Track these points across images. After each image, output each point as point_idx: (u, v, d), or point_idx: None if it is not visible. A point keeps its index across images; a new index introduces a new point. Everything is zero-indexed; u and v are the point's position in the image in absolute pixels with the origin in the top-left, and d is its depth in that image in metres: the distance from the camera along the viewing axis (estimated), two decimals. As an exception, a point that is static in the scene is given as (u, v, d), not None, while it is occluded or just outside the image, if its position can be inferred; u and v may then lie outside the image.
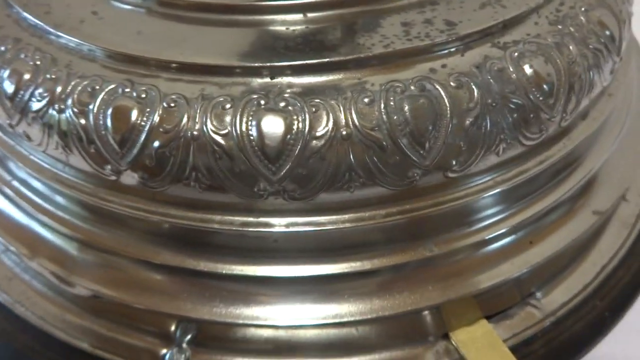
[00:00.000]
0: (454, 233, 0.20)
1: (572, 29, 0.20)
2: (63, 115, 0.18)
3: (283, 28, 0.19)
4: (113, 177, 0.18)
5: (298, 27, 0.19)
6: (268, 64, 0.17)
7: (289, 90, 0.17)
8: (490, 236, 0.20)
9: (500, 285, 0.20)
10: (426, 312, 0.20)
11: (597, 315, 0.21)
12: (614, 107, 0.23)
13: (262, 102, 0.17)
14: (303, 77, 0.17)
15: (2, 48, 0.20)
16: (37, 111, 0.18)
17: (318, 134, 0.17)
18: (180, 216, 0.19)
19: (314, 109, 0.17)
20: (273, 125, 0.17)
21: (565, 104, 0.19)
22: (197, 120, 0.17)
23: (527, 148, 0.19)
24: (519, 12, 0.19)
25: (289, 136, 0.17)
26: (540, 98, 0.19)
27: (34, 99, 0.18)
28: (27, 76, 0.19)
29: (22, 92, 0.19)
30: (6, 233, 0.22)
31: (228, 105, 0.17)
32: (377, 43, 0.18)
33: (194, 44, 0.18)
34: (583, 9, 0.21)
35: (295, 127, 0.17)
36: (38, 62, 0.19)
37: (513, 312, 0.21)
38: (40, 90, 0.18)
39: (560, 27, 0.20)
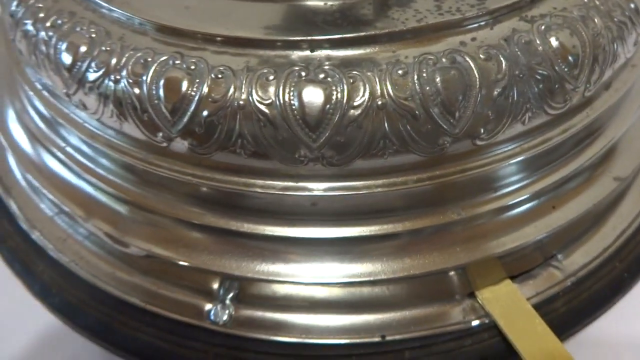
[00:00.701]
0: (480, 198, 0.21)
1: (597, 2, 0.21)
2: (118, 86, 0.19)
3: (321, 3, 0.20)
4: (164, 144, 0.20)
5: (336, 2, 0.20)
6: (308, 38, 0.19)
7: (327, 63, 0.18)
8: (514, 201, 0.21)
9: (524, 247, 0.21)
10: (453, 272, 0.22)
11: (617, 276, 0.23)
12: (636, 77, 0.23)
13: (303, 73, 0.18)
14: (341, 50, 0.19)
15: (59, 21, 0.21)
16: (94, 81, 0.20)
17: (355, 103, 0.18)
18: (225, 180, 0.20)
19: (351, 80, 0.18)
20: (313, 96, 0.18)
21: (589, 74, 0.20)
22: (243, 90, 0.18)
23: (551, 117, 0.20)
24: (544, -13, 0.20)
25: (328, 106, 0.18)
26: (565, 69, 0.20)
27: (90, 70, 0.20)
28: (83, 48, 0.20)
29: (79, 64, 0.20)
30: (62, 195, 0.24)
31: (271, 77, 0.18)
32: (410, 17, 0.19)
33: (238, 19, 0.20)
34: (609, -18, 0.21)
35: (334, 97, 0.18)
36: (93, 35, 0.20)
37: (536, 272, 0.22)
38: (96, 61, 0.20)
39: (586, 0, 0.21)
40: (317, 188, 0.20)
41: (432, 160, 0.20)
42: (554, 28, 0.20)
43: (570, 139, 0.21)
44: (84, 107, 0.21)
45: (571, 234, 0.23)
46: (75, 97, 0.21)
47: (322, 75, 0.18)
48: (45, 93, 0.24)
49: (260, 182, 0.20)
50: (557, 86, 0.20)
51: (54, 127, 0.24)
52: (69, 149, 0.24)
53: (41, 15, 0.21)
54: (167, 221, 0.22)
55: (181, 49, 0.19)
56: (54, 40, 0.21)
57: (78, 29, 0.21)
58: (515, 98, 0.19)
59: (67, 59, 0.20)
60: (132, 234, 0.22)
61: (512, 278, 0.22)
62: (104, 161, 0.23)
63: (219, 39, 0.19)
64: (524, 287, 0.22)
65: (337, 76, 0.18)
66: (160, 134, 0.20)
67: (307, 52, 0.19)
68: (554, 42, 0.19)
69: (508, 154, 0.20)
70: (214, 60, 0.19)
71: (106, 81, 0.20)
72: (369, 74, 0.18)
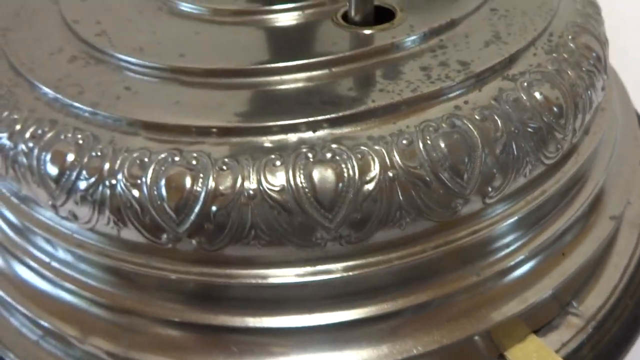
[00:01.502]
0: (493, 256, 0.21)
1: (565, 56, 0.22)
2: (115, 191, 0.18)
3: (313, 83, 0.20)
4: (169, 245, 0.19)
5: (327, 82, 0.20)
6: (309, 119, 0.19)
7: (332, 141, 0.18)
8: (526, 255, 0.21)
9: (544, 299, 0.21)
10: (478, 337, 0.21)
11: (631, 313, 0.23)
12: (608, 119, 0.25)
13: (310, 155, 0.18)
14: (342, 128, 0.19)
15: (40, 131, 0.20)
16: (86, 190, 0.19)
17: (368, 178, 0.18)
18: (235, 275, 0.19)
19: (359, 156, 0.18)
20: (325, 176, 0.18)
21: (574, 122, 0.21)
22: (251, 179, 0.18)
23: (547, 167, 0.21)
24: (520, 47, 0.21)
25: (341, 184, 0.18)
26: (553, 120, 0.20)
27: (81, 179, 0.19)
28: (71, 157, 0.19)
29: (68, 173, 0.19)
30: (51, 315, 0.22)
31: (278, 162, 0.18)
32: (404, 88, 0.19)
33: (233, 108, 0.19)
34: (570, 36, 0.23)
35: (345, 174, 0.18)
36: (80, 142, 0.19)
37: (557, 323, 0.22)
38: (87, 169, 0.19)
39: (555, 55, 0.22)
40: (337, 269, 0.19)
41: (447, 225, 0.19)
42: (535, 83, 0.20)
43: (565, 185, 0.22)
44: (74, 218, 0.20)
45: (580, 279, 0.23)
46: (64, 208, 0.20)
47: (329, 155, 0.18)
48: (14, 200, 0.22)
49: (273, 271, 0.19)
50: (549, 136, 0.20)
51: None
52: (42, 257, 0.22)
53: (18, 127, 0.20)
54: (145, 321, 0.20)
55: (178, 144, 0.19)
56: (35, 151, 0.20)
57: (62, 136, 0.20)
58: (516, 153, 0.20)
59: (53, 169, 0.19)
60: (137, 348, 0.20)
61: (535, 332, 0.22)
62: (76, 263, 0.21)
63: (215, 130, 0.19)
64: (548, 339, 0.22)
65: (345, 154, 0.18)
66: (165, 236, 0.18)
67: (310, 134, 0.19)
68: (538, 96, 0.20)
69: (514, 209, 0.21)
70: (215, 153, 0.18)
71: (100, 188, 0.19)
72: (376, 147, 0.18)
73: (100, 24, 0.24)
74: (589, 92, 0.22)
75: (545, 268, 0.22)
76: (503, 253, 0.21)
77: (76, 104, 0.20)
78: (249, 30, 0.23)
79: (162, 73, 0.21)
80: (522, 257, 0.21)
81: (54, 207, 0.20)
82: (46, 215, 0.21)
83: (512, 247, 0.21)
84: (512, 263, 0.21)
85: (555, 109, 0.21)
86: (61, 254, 0.22)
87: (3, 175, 0.21)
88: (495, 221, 0.20)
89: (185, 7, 0.24)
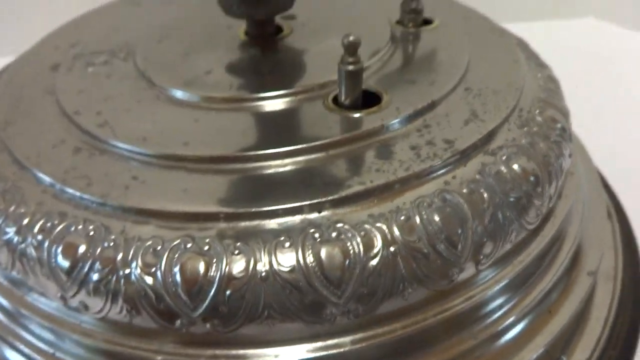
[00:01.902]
0: (488, 319, 0.22)
1: (535, 129, 0.24)
2: (129, 280, 0.19)
3: (312, 166, 0.21)
4: (183, 330, 0.19)
5: (326, 164, 0.21)
6: (313, 201, 0.20)
7: (336, 221, 0.20)
8: (517, 315, 0.23)
9: (538, 357, 0.22)
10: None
11: (616, 364, 0.24)
12: (576, 181, 0.27)
13: (317, 235, 0.19)
14: (345, 207, 0.20)
15: (49, 224, 0.20)
16: (99, 281, 0.19)
17: (372, 254, 0.19)
18: (247, 355, 0.20)
19: (363, 233, 0.19)
20: (332, 255, 0.19)
21: (549, 188, 0.23)
22: (263, 262, 0.19)
23: (530, 231, 0.23)
24: (496, 123, 0.23)
25: (348, 262, 0.19)
26: (531, 188, 0.22)
27: (94, 270, 0.19)
28: (82, 248, 0.20)
29: (80, 265, 0.19)
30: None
31: (288, 244, 0.19)
32: (398, 168, 0.21)
33: (239, 193, 0.21)
34: (537, 111, 0.25)
35: (351, 252, 0.19)
36: (91, 233, 0.20)
37: (551, 378, 0.23)
38: (100, 260, 0.19)
39: (527, 129, 0.24)
40: (344, 343, 0.20)
41: (444, 293, 0.21)
42: (512, 157, 0.23)
43: (546, 246, 0.24)
44: (85, 308, 0.20)
45: (568, 333, 0.25)
46: (74, 299, 0.20)
47: (335, 234, 0.19)
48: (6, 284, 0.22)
49: (284, 349, 0.20)
50: (529, 204, 0.22)
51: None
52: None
53: (25, 221, 0.21)
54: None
55: (189, 231, 0.20)
56: (46, 244, 0.20)
57: (72, 228, 0.20)
58: (502, 221, 0.21)
59: (64, 262, 0.20)
60: None
61: (532, 390, 0.23)
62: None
63: (223, 215, 0.20)
64: (545, 396, 0.23)
65: (350, 232, 0.19)
66: (179, 321, 0.19)
67: (315, 214, 0.20)
68: (516, 168, 0.22)
69: (503, 273, 0.22)
70: (226, 238, 0.19)
71: (114, 278, 0.19)
72: (377, 224, 0.20)
73: (101, 115, 0.25)
74: (559, 160, 0.24)
75: (535, 327, 0.23)
76: (496, 316, 0.22)
77: (85, 196, 0.21)
78: (245, 116, 0.24)
79: (168, 161, 0.22)
80: (513, 317, 0.23)
81: (64, 299, 0.20)
82: (51, 305, 0.21)
83: (504, 309, 0.23)
84: (505, 324, 0.22)
85: (532, 178, 0.23)
86: (66, 343, 0.22)
87: (8, 269, 0.21)
88: (487, 286, 0.22)
89: (181, 95, 0.25)
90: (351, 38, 0.22)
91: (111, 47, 0.30)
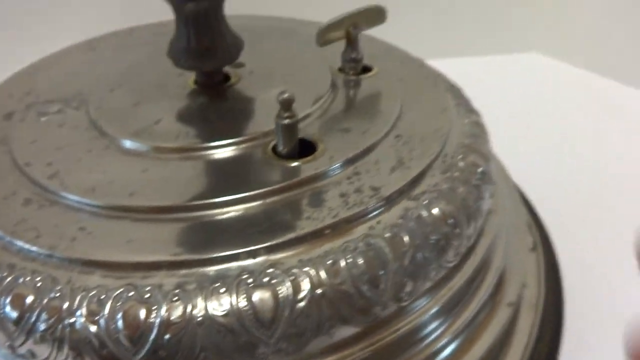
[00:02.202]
0: (414, 349, 0.24)
1: (457, 174, 0.27)
2: (74, 328, 0.20)
3: (250, 214, 0.23)
4: (125, 373, 0.21)
5: (262, 212, 0.23)
6: (248, 249, 0.22)
7: (269, 266, 0.21)
8: (443, 343, 0.25)
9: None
10: None
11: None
12: (499, 218, 0.30)
13: (250, 281, 0.21)
14: (277, 254, 0.22)
15: (-2, 276, 0.22)
16: (46, 329, 0.20)
17: (300, 297, 0.21)
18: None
19: (292, 278, 0.21)
20: (264, 299, 0.21)
21: (467, 229, 0.26)
22: (199, 307, 0.20)
23: (449, 270, 0.25)
24: (420, 170, 0.26)
25: (277, 305, 0.21)
26: (450, 231, 0.25)
27: (41, 319, 0.21)
28: (30, 299, 0.21)
29: (28, 315, 0.21)
30: None
31: (223, 290, 0.21)
32: (326, 215, 0.23)
33: (180, 242, 0.22)
34: (460, 156, 0.28)
35: (281, 296, 0.21)
36: (39, 284, 0.21)
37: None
38: (47, 310, 0.21)
39: (449, 174, 0.27)
40: (277, 379, 0.22)
41: (370, 329, 0.23)
42: (433, 201, 0.25)
43: (466, 283, 0.26)
44: (32, 356, 0.21)
45: (492, 356, 0.27)
46: (23, 348, 0.21)
47: (266, 279, 0.21)
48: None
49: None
50: (447, 245, 0.25)
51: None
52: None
53: (-26, 272, 0.22)
54: None
55: (132, 280, 0.21)
56: (-5, 295, 0.21)
57: (21, 280, 0.21)
58: (422, 262, 0.23)
59: (12, 313, 0.21)
60: None
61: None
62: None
63: (165, 264, 0.21)
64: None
65: (281, 277, 0.21)
66: (122, 365, 0.20)
67: (249, 261, 0.22)
68: (436, 212, 0.25)
69: (427, 306, 0.24)
70: (166, 285, 0.21)
71: (60, 326, 0.20)
72: (305, 269, 0.21)
73: (51, 165, 0.26)
74: (478, 203, 0.27)
75: (461, 354, 0.25)
76: (424, 344, 0.25)
77: (34, 248, 0.22)
78: (191, 166, 0.26)
79: (114, 212, 0.24)
80: (440, 344, 0.25)
81: (12, 347, 0.21)
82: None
83: (431, 337, 0.25)
84: (432, 351, 0.24)
85: (450, 221, 0.25)
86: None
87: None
88: (413, 319, 0.24)
89: (131, 145, 0.27)
90: (285, 95, 0.25)
91: (65, 96, 0.32)
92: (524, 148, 0.46)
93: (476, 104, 0.34)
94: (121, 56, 0.36)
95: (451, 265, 0.25)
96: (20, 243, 0.22)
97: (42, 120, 0.30)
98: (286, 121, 0.25)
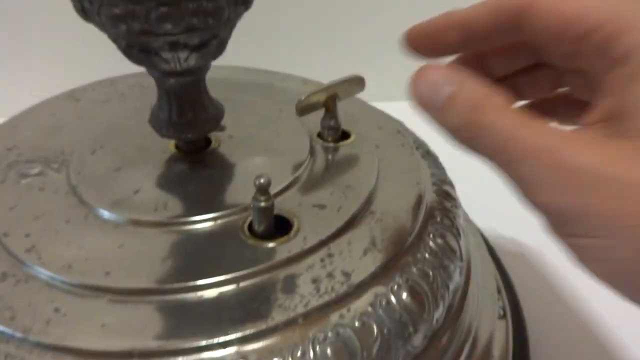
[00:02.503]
0: None
1: (427, 256, 0.28)
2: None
3: (224, 298, 0.24)
4: None
5: (235, 297, 0.24)
6: (220, 340, 0.22)
7: (239, 358, 0.22)
8: None
9: None
10: None
11: None
12: (468, 294, 0.31)
13: (221, 373, 0.22)
14: (249, 344, 0.22)
15: (-30, 363, 0.22)
16: (17, 418, 0.21)
17: (271, 391, 0.22)
18: None
19: (262, 371, 0.22)
20: (233, 393, 0.21)
21: (436, 312, 0.27)
22: (171, 400, 0.21)
23: (416, 356, 0.26)
24: (391, 255, 0.27)
25: (248, 399, 0.21)
26: (418, 315, 0.26)
27: (12, 407, 0.21)
28: (2, 386, 0.21)
29: (-1, 404, 0.21)
30: None
31: (195, 383, 0.21)
32: (298, 303, 0.24)
33: (153, 329, 0.23)
34: (431, 235, 0.29)
35: (252, 390, 0.21)
36: (11, 370, 0.22)
37: None
38: (18, 398, 0.21)
39: (419, 255, 0.27)
40: None
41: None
42: (404, 287, 0.26)
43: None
44: None
45: None
46: None
47: (238, 372, 0.22)
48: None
49: None
50: (416, 330, 0.25)
51: None
52: None
53: (-52, 359, 0.22)
54: None
55: (104, 368, 0.22)
56: (-34, 381, 0.22)
57: (-6, 364, 0.22)
58: (389, 351, 0.24)
59: (-16, 401, 0.21)
60: None
61: None
62: None
63: (137, 352, 0.22)
64: None
65: (250, 370, 0.22)
66: None
67: (221, 351, 0.22)
68: (405, 298, 0.25)
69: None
70: (137, 376, 0.21)
71: (31, 416, 0.21)
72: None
73: (29, 237, 0.26)
74: (447, 284, 0.28)
75: None
76: None
77: (8, 330, 0.22)
78: (167, 241, 0.26)
79: (89, 292, 0.24)
80: None
81: None
82: None
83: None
84: None
85: (419, 306, 0.26)
86: None
87: None
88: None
89: (108, 216, 0.28)
90: (262, 180, 0.25)
91: (47, 155, 0.32)
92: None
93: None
94: (104, 110, 0.37)
95: (417, 351, 0.26)
96: (-6, 324, 0.23)
97: (23, 183, 0.30)
98: (262, 204, 0.26)
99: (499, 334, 0.34)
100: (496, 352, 0.32)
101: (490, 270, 0.37)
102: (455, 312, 0.29)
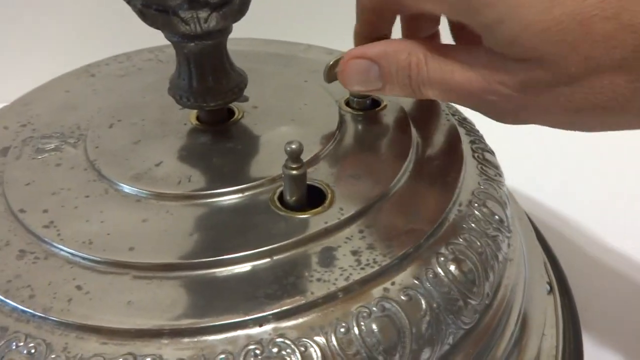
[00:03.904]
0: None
1: (473, 225, 0.26)
2: (69, 403, 0.19)
3: (257, 273, 0.22)
4: None
5: (270, 271, 0.22)
6: (255, 316, 0.20)
7: (277, 335, 0.20)
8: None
9: None
10: None
11: None
12: (516, 268, 0.29)
13: (258, 352, 0.20)
14: (286, 321, 0.21)
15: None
16: (39, 402, 0.19)
17: (311, 370, 0.20)
18: None
19: (303, 349, 0.20)
20: (272, 372, 0.19)
21: (485, 286, 0.24)
22: (204, 382, 0.19)
23: (467, 331, 0.24)
24: (435, 224, 0.24)
25: (287, 378, 0.19)
26: (467, 289, 0.24)
27: (34, 391, 0.19)
28: (23, 368, 0.20)
29: (19, 386, 0.19)
30: None
31: (229, 361, 0.19)
32: (339, 277, 0.22)
33: (183, 306, 0.21)
34: (476, 205, 0.27)
35: (291, 368, 0.19)
36: (33, 350, 0.20)
37: None
38: (40, 380, 0.19)
39: (465, 225, 0.25)
40: None
41: (387, 398, 0.21)
42: (450, 258, 0.24)
43: (484, 344, 0.25)
44: None
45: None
46: None
47: (275, 350, 0.20)
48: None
49: None
50: (466, 305, 0.23)
51: None
52: None
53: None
54: None
55: (132, 348, 0.20)
56: (-15, 362, 0.20)
57: (14, 345, 0.20)
58: (439, 326, 0.22)
59: (3, 387, 0.20)
60: None
61: None
62: None
63: (167, 331, 0.20)
64: None
65: (290, 348, 0.20)
66: None
67: (257, 329, 0.20)
68: (454, 270, 0.23)
69: (443, 371, 0.23)
70: (168, 354, 0.20)
71: (54, 399, 0.19)
72: (316, 338, 0.20)
73: (47, 213, 0.25)
74: (496, 254, 0.25)
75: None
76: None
77: (28, 310, 0.21)
78: (193, 215, 0.25)
79: (113, 268, 0.22)
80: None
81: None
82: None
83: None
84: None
85: (468, 278, 0.24)
86: None
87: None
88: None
89: (130, 190, 0.26)
90: (293, 146, 0.23)
91: (62, 130, 0.30)
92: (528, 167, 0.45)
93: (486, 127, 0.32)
94: (120, 85, 0.35)
95: (468, 327, 0.24)
96: (13, 303, 0.21)
97: (39, 159, 0.28)
98: (294, 172, 0.24)
99: (549, 312, 0.31)
100: (548, 330, 0.30)
101: (535, 245, 0.35)
102: (504, 288, 0.27)
